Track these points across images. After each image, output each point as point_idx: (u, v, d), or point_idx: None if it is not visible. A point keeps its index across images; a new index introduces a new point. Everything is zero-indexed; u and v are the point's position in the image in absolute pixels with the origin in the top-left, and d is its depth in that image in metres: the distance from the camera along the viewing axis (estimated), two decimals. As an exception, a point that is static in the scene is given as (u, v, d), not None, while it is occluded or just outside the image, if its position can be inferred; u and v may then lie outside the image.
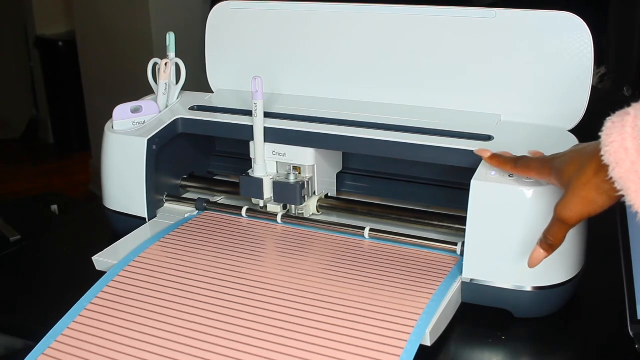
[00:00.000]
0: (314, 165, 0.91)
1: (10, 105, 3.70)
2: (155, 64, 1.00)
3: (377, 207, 0.91)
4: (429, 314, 0.70)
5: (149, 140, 0.91)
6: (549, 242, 0.68)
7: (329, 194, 0.95)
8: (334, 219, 0.92)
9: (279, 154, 0.91)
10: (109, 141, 0.94)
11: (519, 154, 0.76)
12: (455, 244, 0.81)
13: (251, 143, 0.91)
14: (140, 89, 1.07)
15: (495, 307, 0.77)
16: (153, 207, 0.94)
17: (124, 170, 0.93)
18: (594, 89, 0.83)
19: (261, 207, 0.93)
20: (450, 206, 0.90)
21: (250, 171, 0.92)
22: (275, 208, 0.92)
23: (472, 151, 0.79)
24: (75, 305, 0.76)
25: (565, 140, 0.81)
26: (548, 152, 0.73)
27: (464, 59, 0.89)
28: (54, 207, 1.09)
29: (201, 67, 1.06)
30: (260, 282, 0.77)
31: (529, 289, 0.74)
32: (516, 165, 0.73)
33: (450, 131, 0.84)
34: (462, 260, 0.77)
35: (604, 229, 0.78)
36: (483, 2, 2.10)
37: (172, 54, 1.00)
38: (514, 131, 0.84)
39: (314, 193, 0.93)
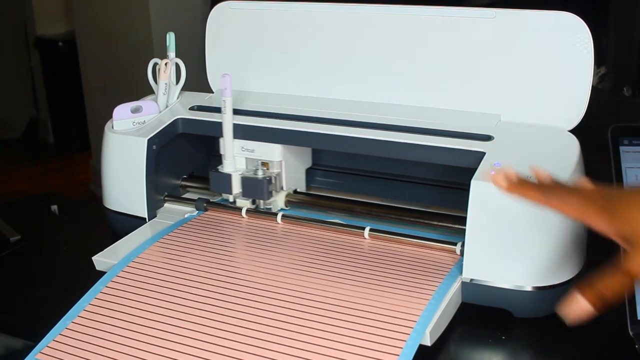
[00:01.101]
0: (281, 161, 0.93)
1: (10, 105, 3.70)
2: (155, 64, 1.00)
3: (377, 207, 0.92)
4: (429, 314, 0.70)
5: (149, 140, 0.91)
6: (603, 296, 0.53)
7: (298, 189, 0.97)
8: (334, 219, 0.92)
9: (247, 150, 0.93)
10: (109, 141, 0.94)
11: (518, 154, 0.76)
12: (455, 244, 0.81)
13: (221, 139, 0.93)
14: (140, 89, 1.07)
15: (495, 307, 0.77)
16: (153, 207, 0.94)
17: (124, 170, 0.93)
18: (594, 89, 0.83)
19: (231, 202, 0.95)
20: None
21: (220, 167, 0.94)
22: (244, 203, 0.94)
23: (470, 151, 0.79)
24: (75, 305, 0.76)
25: (565, 140, 0.81)
26: (548, 152, 0.73)
27: (464, 58, 0.89)
28: (54, 207, 1.09)
29: (201, 67, 1.06)
30: (260, 282, 0.77)
31: (529, 288, 0.74)
32: (546, 196, 0.59)
33: (450, 131, 0.84)
34: (462, 260, 0.77)
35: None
36: (482, 2, 2.10)
37: (172, 54, 1.00)
38: (514, 131, 0.84)
39: (282, 188, 0.94)
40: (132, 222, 0.93)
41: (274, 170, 0.94)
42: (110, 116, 0.94)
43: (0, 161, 3.44)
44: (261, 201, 0.94)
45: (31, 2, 3.45)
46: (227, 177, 0.93)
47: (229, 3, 1.03)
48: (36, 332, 0.74)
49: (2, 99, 3.66)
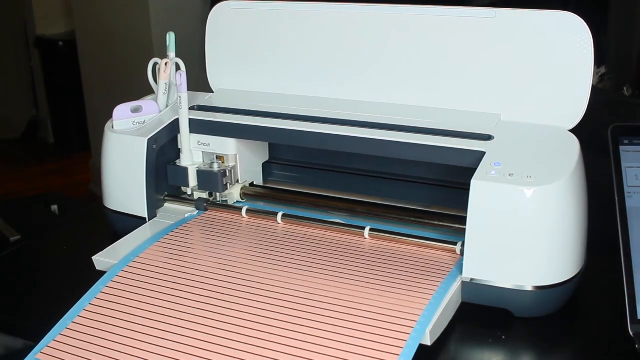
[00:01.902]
0: (236, 154, 0.96)
1: (10, 105, 3.70)
2: (155, 64, 1.00)
3: (377, 207, 0.92)
4: (429, 314, 0.71)
5: (149, 140, 0.92)
6: None
7: (255, 183, 0.99)
8: (334, 219, 0.92)
9: (203, 144, 0.96)
10: (109, 141, 0.94)
11: (519, 154, 0.76)
12: (455, 244, 0.82)
13: (178, 134, 0.95)
14: (140, 89, 1.07)
15: (495, 307, 0.77)
16: (153, 207, 0.94)
17: (124, 170, 0.93)
18: (594, 89, 0.83)
19: (189, 195, 0.97)
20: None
21: (177, 161, 0.97)
22: (201, 195, 0.97)
23: (470, 150, 0.79)
24: (75, 305, 0.76)
25: (565, 140, 0.81)
26: (548, 152, 0.73)
27: (464, 58, 0.89)
28: (54, 207, 1.09)
29: (201, 67, 1.06)
30: (260, 282, 0.77)
31: (529, 288, 0.74)
32: None
33: (450, 131, 0.84)
34: (462, 260, 0.77)
35: (604, 229, 0.78)
36: (483, 2, 2.10)
37: (172, 53, 1.00)
38: (514, 131, 0.84)
39: (237, 181, 0.97)
40: (132, 222, 0.93)
41: (229, 163, 0.96)
42: (110, 116, 0.95)
43: (0, 161, 3.44)
44: (217, 193, 0.96)
45: (31, 2, 3.45)
46: (184, 171, 0.96)
47: (229, 3, 1.03)
48: (36, 332, 0.74)
49: (2, 99, 3.67)
